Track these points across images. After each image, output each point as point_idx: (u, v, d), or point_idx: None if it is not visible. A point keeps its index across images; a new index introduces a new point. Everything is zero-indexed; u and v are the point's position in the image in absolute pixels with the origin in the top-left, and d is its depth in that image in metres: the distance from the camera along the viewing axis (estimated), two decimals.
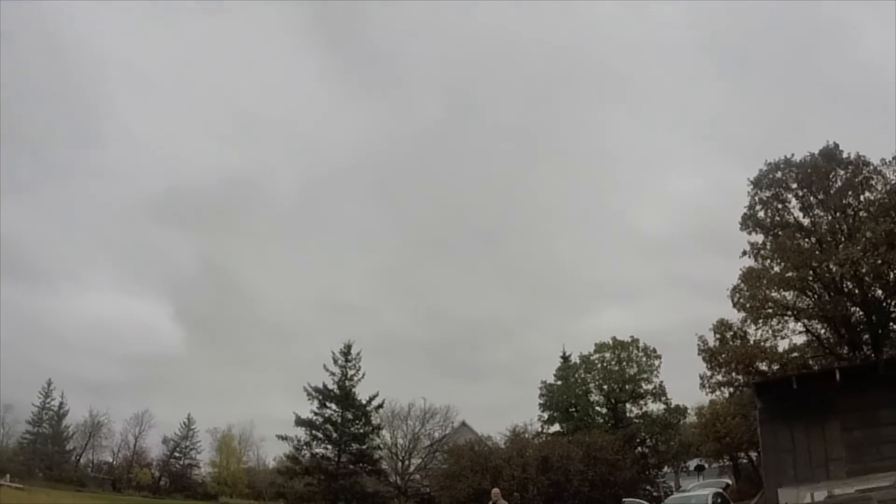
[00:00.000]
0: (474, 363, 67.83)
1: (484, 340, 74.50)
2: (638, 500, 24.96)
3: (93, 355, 78.93)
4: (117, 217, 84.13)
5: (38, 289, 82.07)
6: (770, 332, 28.52)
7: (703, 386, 29.85)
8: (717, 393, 30.21)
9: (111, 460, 64.30)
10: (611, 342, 44.37)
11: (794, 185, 29.91)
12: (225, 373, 78.29)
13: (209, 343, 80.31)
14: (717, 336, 30.22)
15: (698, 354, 30.31)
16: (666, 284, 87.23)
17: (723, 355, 28.23)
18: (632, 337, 44.32)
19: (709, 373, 29.41)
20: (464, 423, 46.66)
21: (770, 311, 27.64)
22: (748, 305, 28.21)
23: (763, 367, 28.40)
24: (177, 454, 64.04)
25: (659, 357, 43.60)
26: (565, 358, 46.68)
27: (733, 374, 28.61)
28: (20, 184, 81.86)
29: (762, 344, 28.15)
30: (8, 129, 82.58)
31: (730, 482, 22.15)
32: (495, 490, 15.90)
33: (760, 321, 27.96)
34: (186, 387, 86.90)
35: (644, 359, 43.80)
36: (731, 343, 29.80)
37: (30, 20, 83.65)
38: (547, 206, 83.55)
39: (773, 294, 28.83)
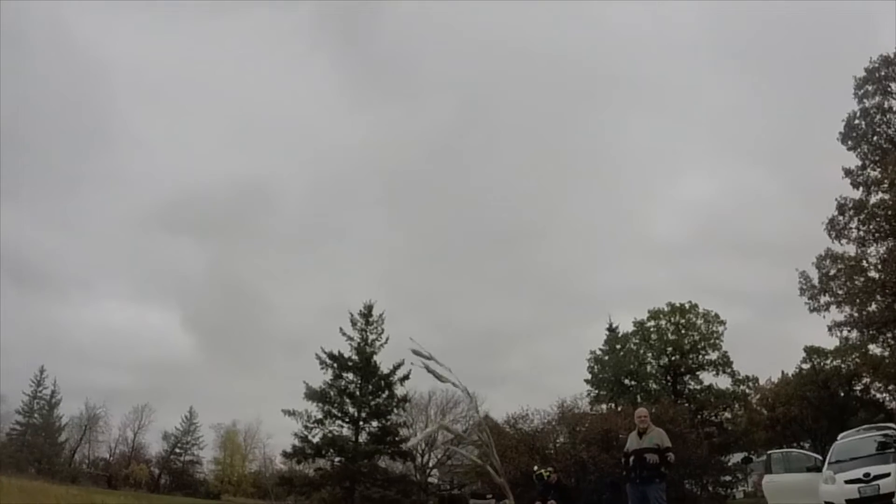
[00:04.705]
0: (487, 371, 62.75)
1: (496, 348, 69.44)
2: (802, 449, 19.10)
3: (101, 362, 74.85)
4: (126, 224, 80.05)
5: (47, 296, 76.84)
6: None
7: (811, 306, 24.13)
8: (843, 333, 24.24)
9: (108, 456, 59.18)
10: (667, 308, 38.83)
11: None
12: (234, 380, 74.32)
13: (218, 350, 75.34)
14: (822, 272, 24.62)
15: (800, 295, 24.77)
16: (680, 289, 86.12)
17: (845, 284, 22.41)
18: (690, 302, 38.86)
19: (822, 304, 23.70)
20: (487, 416, 41.17)
21: None
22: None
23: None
24: (178, 450, 58.87)
25: (723, 323, 38.08)
26: (612, 329, 41.06)
27: (855, 308, 22.86)
28: (27, 190, 77.90)
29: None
30: (14, 135, 78.45)
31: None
32: (641, 410, 10.89)
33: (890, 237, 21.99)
34: (195, 394, 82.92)
35: (705, 325, 38.25)
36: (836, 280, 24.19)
37: (36, 24, 79.82)
38: (559, 211, 79.09)
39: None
